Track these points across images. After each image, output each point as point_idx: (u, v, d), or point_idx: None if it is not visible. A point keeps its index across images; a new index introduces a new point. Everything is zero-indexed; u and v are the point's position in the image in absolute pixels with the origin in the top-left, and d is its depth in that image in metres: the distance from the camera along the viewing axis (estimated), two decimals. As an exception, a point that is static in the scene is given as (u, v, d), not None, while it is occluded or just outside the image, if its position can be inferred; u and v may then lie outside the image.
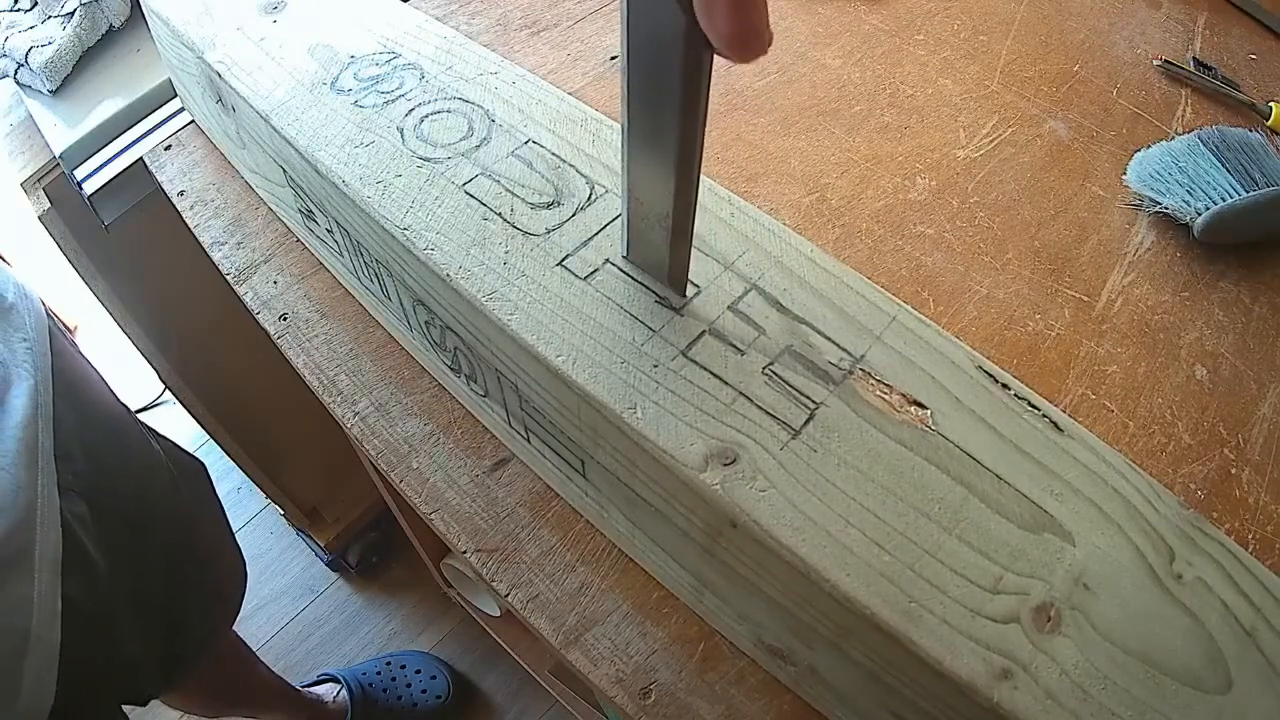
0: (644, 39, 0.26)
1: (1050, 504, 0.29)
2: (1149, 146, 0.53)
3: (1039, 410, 0.32)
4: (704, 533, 0.32)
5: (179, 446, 0.73)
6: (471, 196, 0.38)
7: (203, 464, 0.76)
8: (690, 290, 0.34)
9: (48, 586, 0.46)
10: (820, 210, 0.51)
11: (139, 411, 1.46)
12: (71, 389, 0.55)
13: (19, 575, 0.45)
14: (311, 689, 1.07)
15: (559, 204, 0.37)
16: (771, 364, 0.32)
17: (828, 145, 0.55)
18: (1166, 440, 0.42)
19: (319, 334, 0.49)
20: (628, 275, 0.35)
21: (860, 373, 0.32)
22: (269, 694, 0.95)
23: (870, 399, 0.31)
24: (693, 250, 0.36)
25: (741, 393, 0.31)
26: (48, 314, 0.56)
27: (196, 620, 0.69)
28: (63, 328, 0.58)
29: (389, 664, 1.12)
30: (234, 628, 0.81)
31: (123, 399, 0.65)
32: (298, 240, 0.54)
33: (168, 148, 0.60)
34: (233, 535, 0.79)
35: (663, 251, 0.33)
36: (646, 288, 0.34)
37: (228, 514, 0.80)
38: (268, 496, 1.07)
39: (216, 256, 0.53)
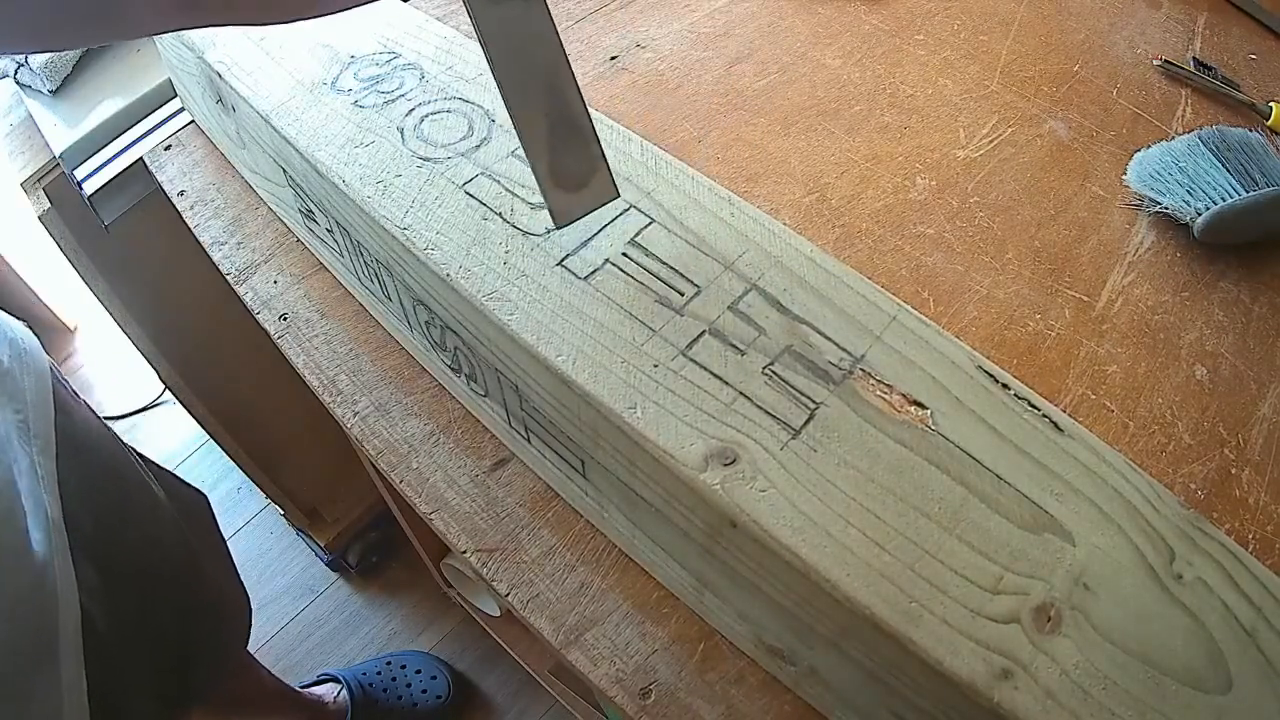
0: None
1: (1050, 504, 0.29)
2: (1149, 146, 0.53)
3: (1039, 410, 0.32)
4: (704, 533, 0.32)
5: (180, 480, 0.72)
6: (471, 196, 0.38)
7: (204, 496, 0.75)
8: (690, 290, 0.34)
9: (73, 670, 0.45)
10: (820, 210, 0.51)
11: (138, 412, 1.46)
12: (74, 447, 0.53)
13: (46, 666, 0.43)
14: (312, 689, 1.07)
15: (559, 204, 0.37)
16: (772, 364, 0.32)
17: (828, 145, 0.55)
18: (1166, 440, 0.42)
19: (319, 334, 0.49)
20: (622, 271, 0.35)
21: (860, 373, 0.32)
22: (269, 698, 0.94)
23: (870, 399, 0.31)
24: (694, 250, 0.36)
25: (741, 393, 0.31)
26: (51, 369, 0.54)
27: (203, 668, 0.68)
28: (62, 377, 0.57)
29: (389, 664, 1.12)
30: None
31: (121, 440, 0.63)
32: (298, 240, 0.54)
33: (168, 148, 0.60)
34: (235, 570, 0.78)
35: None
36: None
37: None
38: (268, 496, 1.07)
39: (216, 256, 0.53)
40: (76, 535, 0.49)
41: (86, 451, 0.55)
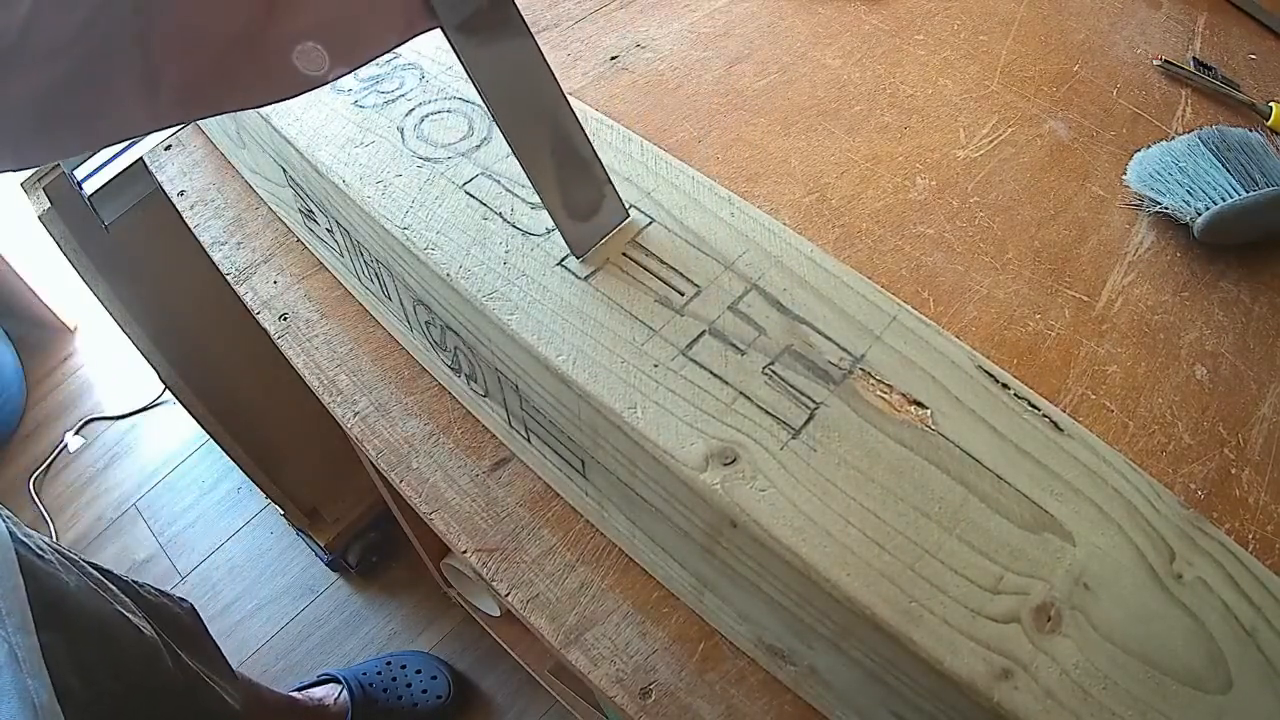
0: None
1: (1050, 504, 0.29)
2: (1149, 146, 0.53)
3: (1039, 410, 0.32)
4: (704, 532, 0.32)
5: (162, 593, 0.71)
6: (472, 196, 0.38)
7: (190, 606, 0.75)
8: (690, 290, 0.34)
9: None
10: (820, 210, 0.51)
11: (138, 412, 1.46)
12: (51, 611, 0.51)
13: None
14: (312, 690, 1.07)
15: (559, 204, 0.37)
16: (772, 364, 0.32)
17: (828, 145, 0.55)
18: (1166, 440, 0.42)
19: (319, 334, 0.49)
20: (626, 272, 0.35)
21: (860, 372, 0.32)
22: (270, 715, 0.94)
23: (870, 399, 0.31)
24: (694, 250, 0.36)
25: (742, 392, 0.31)
26: (10, 532, 0.52)
27: None
28: (23, 534, 0.55)
29: (389, 664, 1.12)
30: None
31: (93, 576, 0.62)
32: (298, 240, 0.54)
33: (168, 148, 0.60)
34: (230, 668, 0.78)
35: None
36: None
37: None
38: (268, 496, 1.07)
39: (216, 256, 0.53)
40: (69, 705, 0.47)
41: (62, 613, 0.54)
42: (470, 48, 0.29)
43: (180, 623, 0.72)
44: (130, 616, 0.62)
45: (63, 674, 0.49)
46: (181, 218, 0.56)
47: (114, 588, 0.63)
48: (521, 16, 0.30)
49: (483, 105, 0.42)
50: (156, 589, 0.71)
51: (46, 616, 0.50)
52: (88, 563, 0.62)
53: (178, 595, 0.74)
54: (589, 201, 0.35)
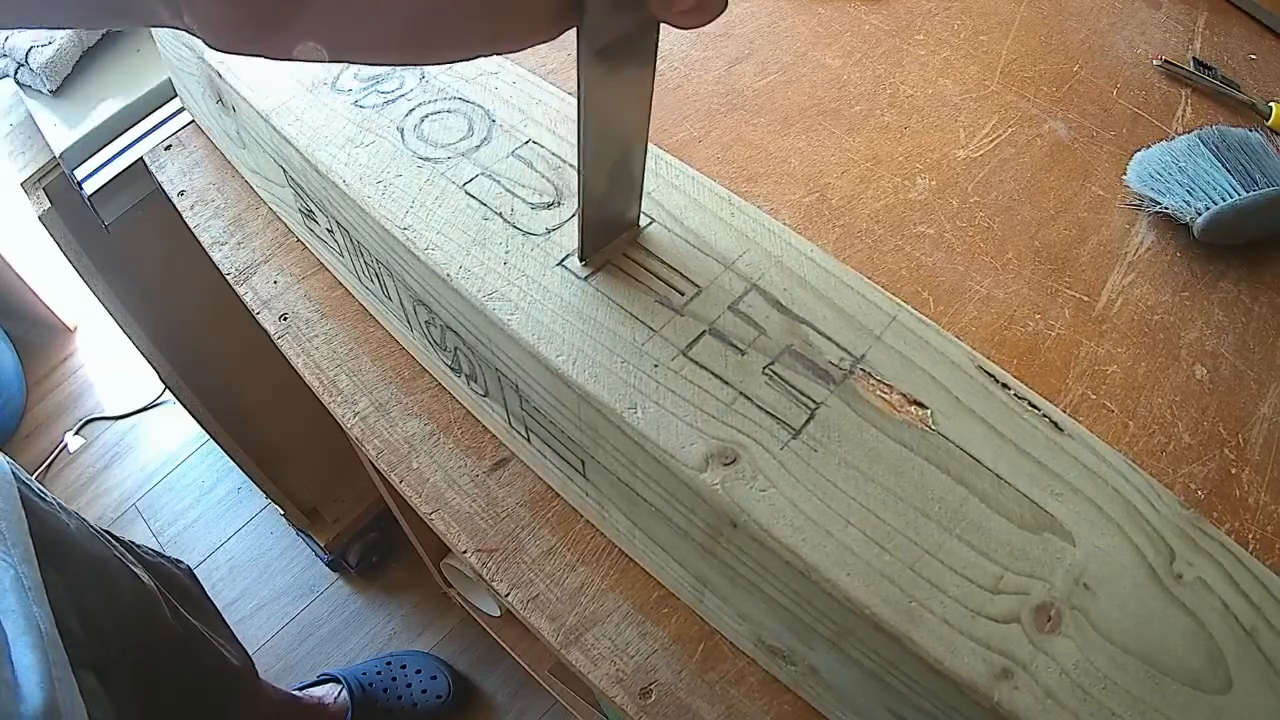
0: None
1: (1050, 504, 0.29)
2: (1149, 146, 0.53)
3: (1039, 410, 0.32)
4: (704, 532, 0.32)
5: (161, 555, 0.71)
6: (472, 196, 0.38)
7: (187, 567, 0.75)
8: (690, 290, 0.34)
9: None
10: (820, 210, 0.51)
11: (138, 412, 1.46)
12: (51, 550, 0.51)
13: None
14: (312, 690, 1.07)
15: (559, 204, 0.37)
16: (772, 364, 0.32)
17: (828, 145, 0.55)
18: (1166, 440, 0.42)
19: (319, 334, 0.49)
20: (628, 273, 0.35)
21: (861, 372, 0.32)
22: (271, 713, 0.94)
23: (870, 399, 0.31)
24: (694, 250, 0.36)
25: (742, 392, 0.31)
26: (13, 473, 0.52)
27: None
28: (26, 476, 0.55)
29: (389, 664, 1.12)
30: (234, 629, 0.80)
31: (95, 528, 0.62)
32: (298, 240, 0.54)
33: (168, 148, 0.60)
34: (231, 632, 0.78)
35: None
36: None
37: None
38: (268, 496, 1.07)
39: (216, 256, 0.53)
40: (69, 642, 0.47)
41: (63, 552, 0.54)
42: (597, 72, 0.28)
43: (178, 580, 0.71)
44: (129, 565, 0.62)
45: (63, 613, 0.48)
46: (181, 218, 0.56)
47: (112, 540, 0.63)
48: (656, 47, 0.29)
49: (484, 105, 0.42)
50: (154, 550, 0.71)
51: (47, 555, 0.50)
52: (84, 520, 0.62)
53: (175, 557, 0.74)
54: (618, 215, 0.35)
